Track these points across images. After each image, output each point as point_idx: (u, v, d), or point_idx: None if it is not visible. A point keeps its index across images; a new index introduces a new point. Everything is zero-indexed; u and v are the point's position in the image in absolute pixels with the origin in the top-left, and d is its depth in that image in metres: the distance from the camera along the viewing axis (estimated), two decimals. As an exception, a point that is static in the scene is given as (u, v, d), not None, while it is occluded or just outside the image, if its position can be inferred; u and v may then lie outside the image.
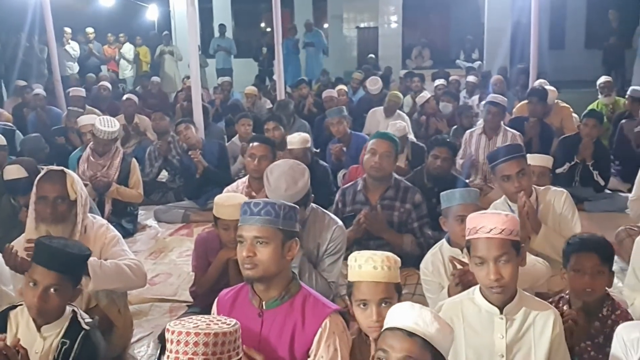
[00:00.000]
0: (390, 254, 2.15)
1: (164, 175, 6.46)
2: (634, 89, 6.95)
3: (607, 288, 2.51)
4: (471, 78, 9.22)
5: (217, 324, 1.72)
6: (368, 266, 2.08)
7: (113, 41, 13.44)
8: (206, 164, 5.42)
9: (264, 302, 2.13)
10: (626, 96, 7.02)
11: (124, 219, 5.14)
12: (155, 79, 11.07)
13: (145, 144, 6.83)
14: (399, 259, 2.16)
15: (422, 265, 3.03)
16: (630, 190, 4.54)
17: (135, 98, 7.78)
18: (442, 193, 3.07)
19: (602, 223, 4.85)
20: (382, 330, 1.82)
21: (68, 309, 2.37)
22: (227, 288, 2.33)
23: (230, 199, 3.18)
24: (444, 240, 3.04)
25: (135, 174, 5.14)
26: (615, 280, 3.88)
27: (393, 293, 2.09)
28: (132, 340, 3.29)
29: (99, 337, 2.42)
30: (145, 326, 3.50)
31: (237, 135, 6.45)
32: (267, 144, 4.18)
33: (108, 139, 4.95)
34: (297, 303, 2.12)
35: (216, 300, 2.29)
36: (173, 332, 1.68)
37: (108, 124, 4.93)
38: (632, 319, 2.45)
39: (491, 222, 2.12)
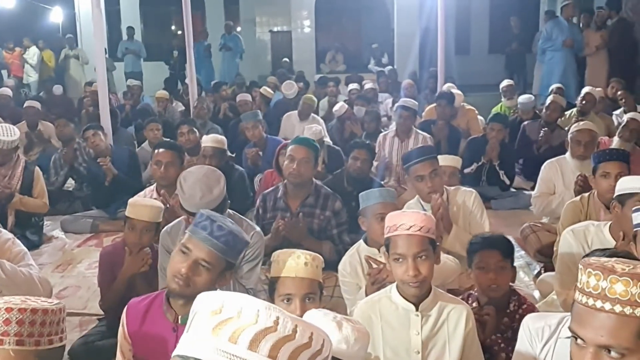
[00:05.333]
0: (315, 253, 2.17)
1: (70, 183, 6.19)
2: (521, 102, 7.27)
3: (512, 283, 2.62)
4: (369, 85, 9.24)
5: (36, 302, 1.53)
6: (294, 261, 2.08)
7: (13, 46, 12.77)
8: (116, 172, 5.24)
9: (179, 317, 2.06)
10: (518, 106, 7.37)
11: (29, 230, 4.89)
12: (57, 86, 10.62)
13: (50, 152, 6.54)
14: (322, 259, 2.18)
15: (340, 267, 3.06)
16: (533, 188, 4.77)
17: (38, 104, 7.39)
18: (360, 193, 3.11)
19: (508, 220, 5.08)
20: None
21: None
22: (138, 297, 2.24)
23: (142, 200, 3.13)
24: (361, 241, 3.07)
25: (39, 183, 4.89)
26: (522, 274, 4.12)
27: (317, 290, 2.11)
28: (40, 357, 3.13)
29: None
30: (53, 343, 3.33)
31: (147, 141, 6.28)
32: (174, 149, 4.08)
33: (8, 149, 4.68)
34: None
35: (126, 308, 2.18)
36: None
37: (6, 133, 4.65)
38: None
39: (411, 219, 2.16)
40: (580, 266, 1.29)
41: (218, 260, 2.01)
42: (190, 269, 1.98)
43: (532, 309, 2.58)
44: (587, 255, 2.13)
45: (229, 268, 2.08)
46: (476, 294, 2.62)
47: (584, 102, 6.69)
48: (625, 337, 1.20)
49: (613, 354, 1.22)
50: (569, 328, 1.30)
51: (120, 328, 2.17)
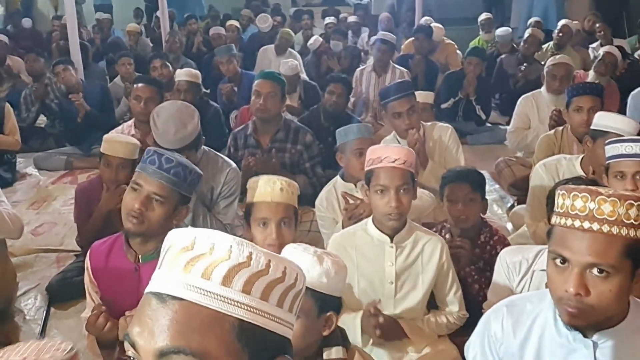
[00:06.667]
0: (290, 180, 2.19)
1: (42, 120, 6.07)
2: (499, 35, 7.18)
3: (483, 215, 2.69)
4: (353, 18, 9.21)
5: (49, 353, 1.36)
6: (270, 187, 2.11)
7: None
8: (88, 107, 5.14)
9: (139, 256, 2.07)
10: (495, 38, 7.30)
11: (1, 167, 4.86)
12: (26, 19, 10.24)
13: (20, 87, 6.36)
14: (297, 185, 2.20)
15: (317, 202, 3.09)
16: (508, 123, 4.80)
17: (5, 38, 7.16)
18: (337, 130, 3.11)
19: (483, 155, 5.13)
20: None
21: None
22: (100, 240, 2.23)
23: (118, 136, 3.13)
24: (337, 177, 3.10)
25: (10, 119, 4.79)
26: (496, 207, 4.20)
27: (292, 214, 2.14)
28: (18, 293, 3.15)
29: None
30: (31, 278, 3.37)
31: (120, 76, 6.15)
32: (154, 85, 4.00)
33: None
34: None
35: (89, 252, 2.19)
36: None
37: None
38: (509, 244, 2.64)
39: (395, 153, 2.21)
40: (561, 192, 1.32)
41: (170, 193, 2.01)
42: (143, 204, 1.97)
43: (503, 240, 2.65)
44: (558, 184, 2.17)
45: (183, 202, 2.08)
46: (448, 225, 2.68)
47: (560, 34, 6.65)
48: (612, 255, 1.26)
49: (598, 272, 1.27)
50: (550, 250, 1.34)
51: (85, 272, 2.18)
